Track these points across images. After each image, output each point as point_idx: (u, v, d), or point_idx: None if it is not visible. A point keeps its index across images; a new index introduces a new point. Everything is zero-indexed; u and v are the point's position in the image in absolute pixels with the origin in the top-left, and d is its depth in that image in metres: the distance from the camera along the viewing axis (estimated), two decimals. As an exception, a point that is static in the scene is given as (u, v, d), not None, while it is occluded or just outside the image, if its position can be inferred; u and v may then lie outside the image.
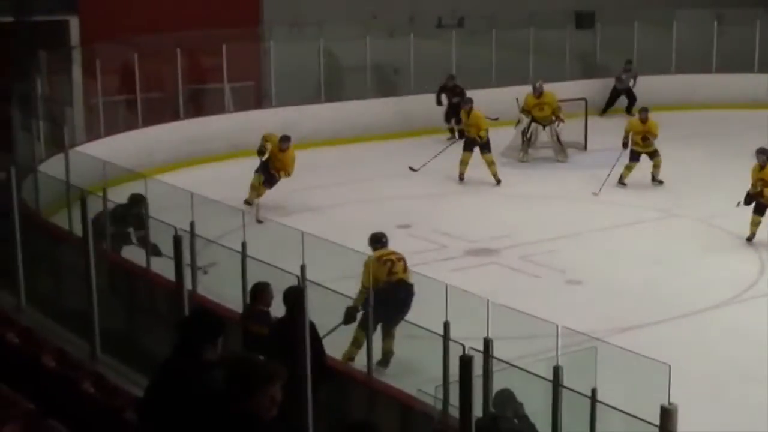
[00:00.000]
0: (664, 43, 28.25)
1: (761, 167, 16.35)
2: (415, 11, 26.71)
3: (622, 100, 26.98)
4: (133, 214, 13.53)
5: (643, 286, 14.02)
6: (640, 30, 28.15)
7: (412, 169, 20.58)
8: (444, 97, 23.82)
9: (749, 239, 16.18)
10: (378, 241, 11.94)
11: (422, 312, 9.41)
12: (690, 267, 15.10)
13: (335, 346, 9.99)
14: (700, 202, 18.30)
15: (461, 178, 20.04)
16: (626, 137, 19.67)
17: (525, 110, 21.92)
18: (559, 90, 23.31)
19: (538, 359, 8.62)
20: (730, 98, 27.09)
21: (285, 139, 18.19)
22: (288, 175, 18.05)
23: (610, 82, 27.18)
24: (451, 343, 8.81)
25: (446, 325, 8.88)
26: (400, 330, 9.72)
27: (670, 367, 7.37)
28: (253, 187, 17.95)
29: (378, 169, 21.01)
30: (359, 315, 10.65)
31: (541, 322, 9.01)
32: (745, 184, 17.07)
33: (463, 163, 20.08)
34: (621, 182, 19.50)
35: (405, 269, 11.40)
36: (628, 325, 12.58)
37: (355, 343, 10.82)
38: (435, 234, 16.55)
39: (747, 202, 16.23)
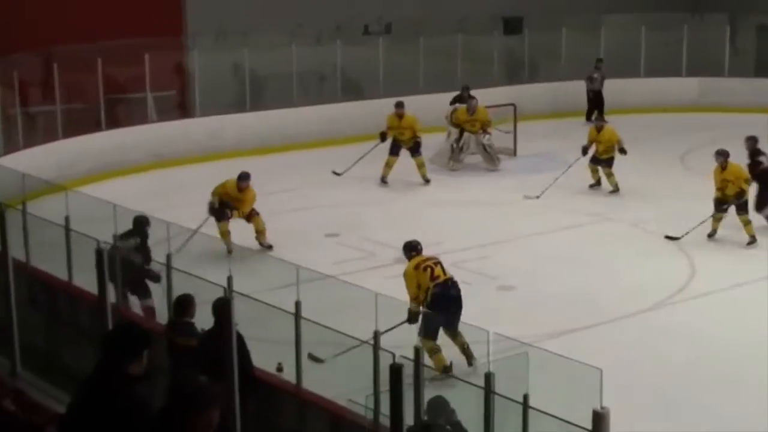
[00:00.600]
0: (592, 48, 28.54)
1: (722, 168, 16.55)
2: (342, 19, 26.74)
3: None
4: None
5: (575, 291, 14.12)
6: (567, 35, 28.41)
7: (335, 173, 20.61)
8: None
9: (711, 235, 16.54)
10: (414, 248, 12.19)
11: (352, 321, 9.37)
12: (622, 271, 15.25)
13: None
14: (632, 206, 18.50)
15: (384, 180, 20.21)
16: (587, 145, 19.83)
17: (455, 124, 21.94)
18: (487, 96, 23.46)
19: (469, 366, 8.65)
20: (659, 102, 27.45)
21: (244, 177, 16.35)
22: (243, 215, 16.29)
23: (538, 87, 27.37)
24: (381, 352, 8.80)
25: (376, 334, 8.88)
26: (331, 338, 9.69)
27: (601, 371, 7.41)
28: (223, 235, 16.08)
29: (306, 178, 20.96)
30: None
31: (473, 328, 9.05)
32: (677, 190, 17.42)
33: (388, 166, 20.25)
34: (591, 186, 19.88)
35: (444, 270, 11.78)
36: (560, 330, 12.66)
37: (433, 352, 11.07)
38: (364, 242, 16.55)
39: (718, 209, 16.44)
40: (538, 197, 18.96)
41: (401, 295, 11.47)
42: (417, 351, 8.37)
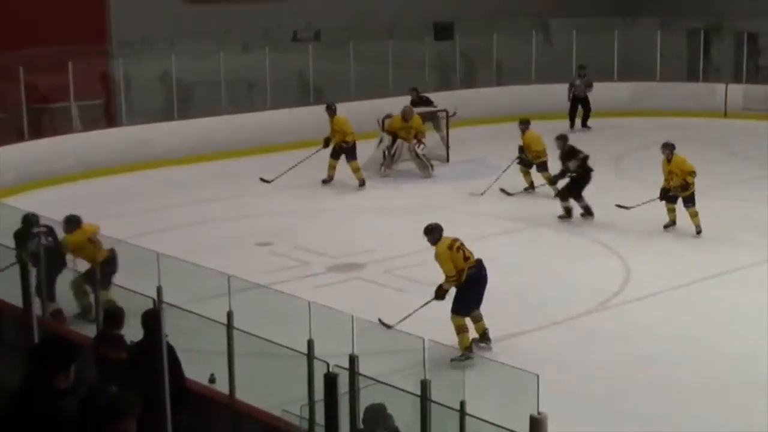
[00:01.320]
0: (524, 53, 28.76)
1: (668, 160, 17.39)
2: (270, 25, 26.68)
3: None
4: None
5: (510, 296, 14.17)
6: (499, 40, 28.60)
7: (264, 180, 20.56)
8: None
9: (668, 226, 17.36)
10: (441, 230, 12.69)
11: (286, 331, 9.34)
12: (556, 275, 15.35)
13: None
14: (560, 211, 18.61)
15: (329, 180, 20.54)
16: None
17: (389, 131, 21.96)
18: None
19: (405, 374, 8.65)
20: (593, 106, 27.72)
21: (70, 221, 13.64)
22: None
23: (470, 93, 27.49)
24: (315, 362, 8.78)
25: (310, 343, 8.84)
26: (264, 349, 9.66)
27: (538, 376, 7.45)
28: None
29: (236, 186, 20.88)
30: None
31: (408, 336, 9.04)
32: (608, 192, 17.59)
33: (332, 167, 20.60)
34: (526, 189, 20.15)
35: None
36: (496, 335, 12.69)
37: (461, 330, 12.02)
38: (297, 251, 16.51)
39: (662, 197, 17.36)
40: (482, 194, 19.24)
41: (334, 303, 11.42)
42: (352, 360, 8.35)
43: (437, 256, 12.44)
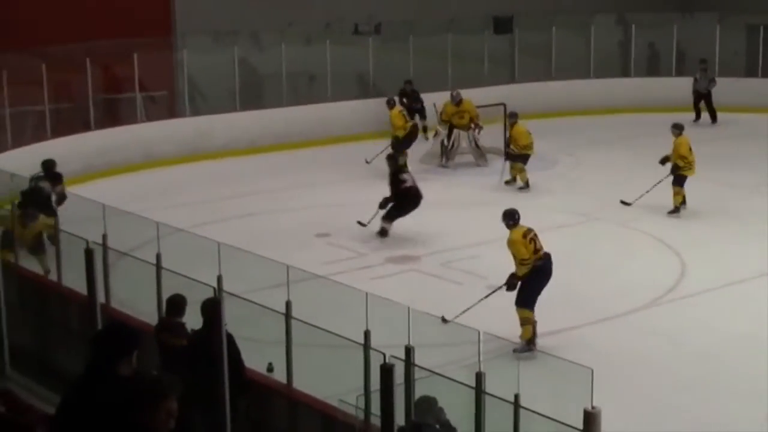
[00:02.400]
0: (582, 48, 28.60)
1: (675, 139, 18.10)
2: (332, 18, 26.74)
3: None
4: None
5: (564, 291, 14.07)
6: (558, 35, 28.46)
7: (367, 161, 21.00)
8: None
9: (673, 212, 17.85)
10: (512, 217, 12.58)
11: (343, 321, 9.37)
12: (611, 270, 15.26)
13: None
14: (620, 206, 18.51)
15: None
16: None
17: (444, 120, 22.01)
18: (478, 95, 23.50)
19: (460, 366, 8.65)
20: (648, 101, 27.49)
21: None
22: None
23: (529, 87, 27.39)
24: (372, 352, 8.80)
25: (367, 334, 8.87)
26: (321, 339, 9.70)
27: (592, 370, 7.42)
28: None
29: (296, 178, 20.97)
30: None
31: (463, 328, 9.04)
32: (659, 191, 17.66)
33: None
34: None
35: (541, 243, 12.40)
36: (550, 329, 12.64)
37: (527, 322, 12.10)
38: (354, 242, 16.56)
39: (663, 162, 18.13)
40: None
41: (391, 294, 11.44)
42: (407, 351, 8.37)
43: (510, 243, 12.38)
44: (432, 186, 20.06)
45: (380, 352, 8.50)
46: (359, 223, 17.05)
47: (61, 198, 16.28)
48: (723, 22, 29.04)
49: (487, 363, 8.12)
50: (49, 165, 16.77)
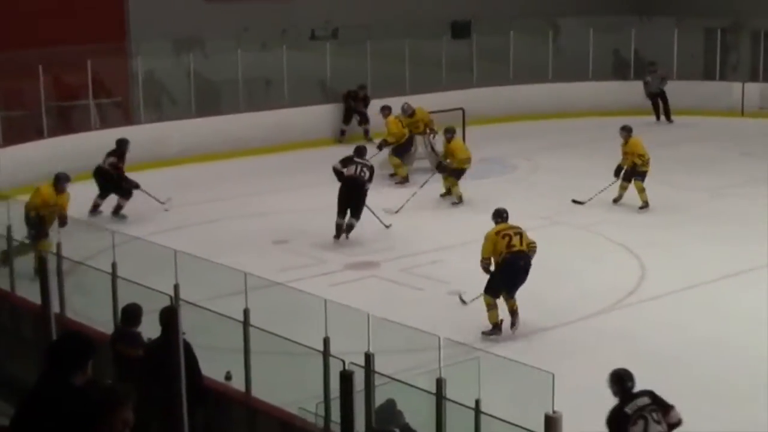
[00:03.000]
0: (540, 52, 28.72)
1: (625, 142, 18.87)
2: (288, 24, 26.70)
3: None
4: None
5: (526, 295, 14.14)
6: (516, 39, 28.56)
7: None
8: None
9: (616, 200, 18.89)
10: (499, 215, 13.55)
11: (302, 328, 9.36)
12: (572, 274, 15.31)
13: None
14: (581, 209, 18.61)
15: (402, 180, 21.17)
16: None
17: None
18: (436, 100, 23.55)
19: (421, 372, 8.66)
20: (603, 106, 27.69)
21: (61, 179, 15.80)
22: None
23: (487, 91, 27.46)
24: (331, 359, 8.79)
25: (326, 341, 8.86)
26: (280, 347, 9.68)
27: (553, 375, 7.45)
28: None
29: (254, 184, 20.89)
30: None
31: (424, 334, 9.05)
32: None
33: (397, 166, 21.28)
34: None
35: (521, 242, 13.02)
36: (511, 334, 12.70)
37: (490, 307, 12.95)
38: (313, 249, 16.53)
39: (616, 173, 18.83)
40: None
41: (350, 301, 11.44)
42: (367, 357, 8.36)
43: (484, 238, 13.25)
44: (391, 192, 20.10)
45: (340, 359, 8.49)
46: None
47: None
48: (681, 26, 29.27)
49: (448, 369, 8.13)
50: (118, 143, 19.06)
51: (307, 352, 9.10)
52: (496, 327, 12.85)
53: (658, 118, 27.01)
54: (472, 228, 17.59)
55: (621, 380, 8.73)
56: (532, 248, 13.15)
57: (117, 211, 18.52)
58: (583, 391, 10.96)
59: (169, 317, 9.03)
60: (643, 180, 18.68)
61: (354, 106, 25.18)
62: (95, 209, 18.67)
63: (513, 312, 13.00)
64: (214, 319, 9.96)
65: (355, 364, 8.32)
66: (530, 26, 28.93)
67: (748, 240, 16.70)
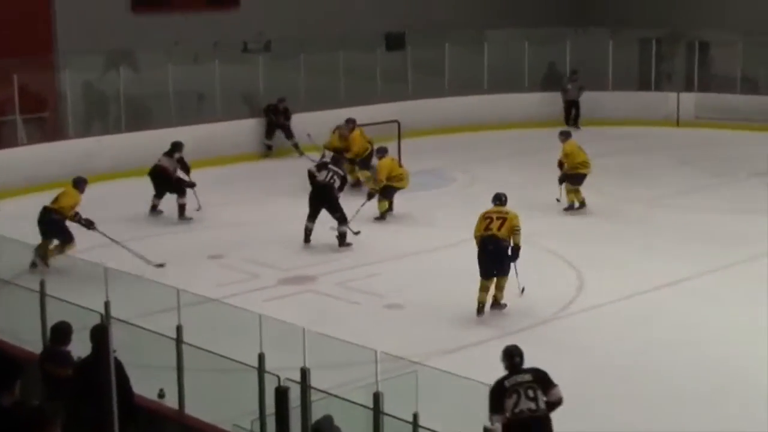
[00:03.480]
0: (476, 63, 28.85)
1: (564, 145, 19.46)
2: (220, 36, 26.59)
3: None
4: None
5: (463, 307, 14.19)
6: (451, 51, 28.67)
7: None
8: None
9: (577, 207, 19.31)
10: (497, 199, 14.54)
11: (236, 344, 9.28)
12: (510, 286, 15.32)
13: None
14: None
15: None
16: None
17: (327, 147, 21.79)
18: (371, 112, 23.57)
19: (358, 386, 8.63)
20: (534, 116, 27.90)
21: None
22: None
23: (423, 103, 27.53)
24: (266, 375, 8.73)
25: (261, 357, 8.80)
26: (214, 363, 9.60)
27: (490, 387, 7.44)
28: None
29: (186, 198, 20.66)
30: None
31: (360, 348, 9.02)
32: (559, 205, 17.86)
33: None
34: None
35: (501, 227, 13.93)
36: (450, 347, 12.71)
37: (480, 289, 13.94)
38: (248, 263, 16.43)
39: (561, 180, 19.38)
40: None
41: (286, 316, 11.40)
42: (303, 373, 8.31)
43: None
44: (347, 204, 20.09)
45: (275, 375, 8.43)
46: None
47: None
48: (615, 37, 29.58)
49: (386, 383, 8.10)
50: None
51: (241, 369, 9.03)
52: (480, 310, 13.84)
53: (567, 123, 27.34)
54: (408, 241, 17.72)
55: (510, 356, 9.50)
56: (515, 232, 13.94)
57: (182, 212, 19.22)
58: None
59: (100, 335, 8.93)
60: (579, 184, 19.11)
61: (275, 120, 24.98)
62: (154, 209, 19.54)
63: (498, 292, 14.04)
64: (146, 337, 9.85)
65: (291, 380, 8.27)
66: (465, 38, 29.06)
67: (684, 249, 16.89)
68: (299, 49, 26.40)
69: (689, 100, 28.68)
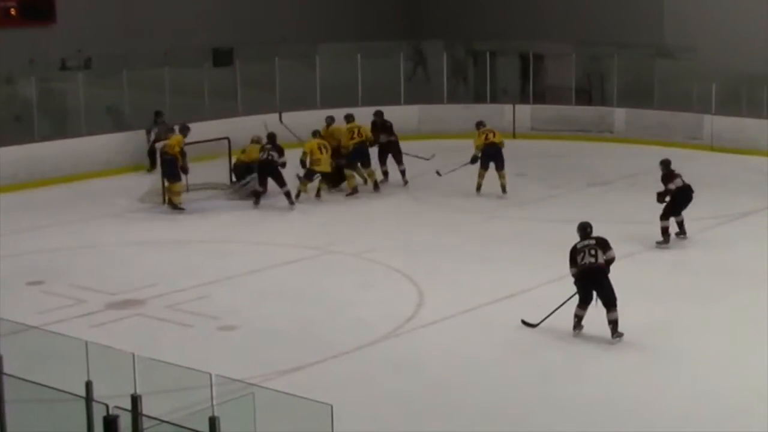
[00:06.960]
0: (308, 78, 28.89)
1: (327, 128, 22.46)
2: (36, 53, 26.09)
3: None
4: None
5: (300, 327, 14.17)
6: (281, 65, 28.65)
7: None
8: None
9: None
10: (483, 124, 21.93)
11: (61, 373, 9.05)
12: (347, 303, 15.37)
13: None
14: (354, 238, 18.75)
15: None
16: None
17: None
18: (200, 129, 23.36)
19: (193, 411, 8.51)
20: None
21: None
22: None
23: (254, 120, 27.41)
24: (94, 404, 8.53)
25: (88, 385, 8.60)
26: (38, 394, 9.35)
27: (332, 406, 7.44)
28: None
29: (5, 223, 20.08)
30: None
31: (194, 372, 8.91)
32: (405, 217, 17.93)
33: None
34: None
35: (495, 135, 21.61)
36: (287, 367, 12.64)
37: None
38: (72, 288, 16.05)
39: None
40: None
41: (114, 342, 11.21)
42: (134, 400, 8.16)
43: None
44: (149, 226, 19.83)
45: (103, 403, 8.25)
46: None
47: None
48: (449, 49, 29.98)
49: (222, 406, 8.02)
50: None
51: (67, 398, 8.80)
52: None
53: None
54: (234, 261, 17.55)
55: (583, 228, 13.89)
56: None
57: (290, 197, 21.01)
58: (365, 420, 11.04)
59: None
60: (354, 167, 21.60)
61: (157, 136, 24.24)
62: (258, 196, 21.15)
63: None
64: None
65: (121, 408, 8.10)
66: (296, 52, 29.10)
67: (520, 261, 17.20)
68: (122, 65, 26.03)
69: (525, 112, 29.33)
